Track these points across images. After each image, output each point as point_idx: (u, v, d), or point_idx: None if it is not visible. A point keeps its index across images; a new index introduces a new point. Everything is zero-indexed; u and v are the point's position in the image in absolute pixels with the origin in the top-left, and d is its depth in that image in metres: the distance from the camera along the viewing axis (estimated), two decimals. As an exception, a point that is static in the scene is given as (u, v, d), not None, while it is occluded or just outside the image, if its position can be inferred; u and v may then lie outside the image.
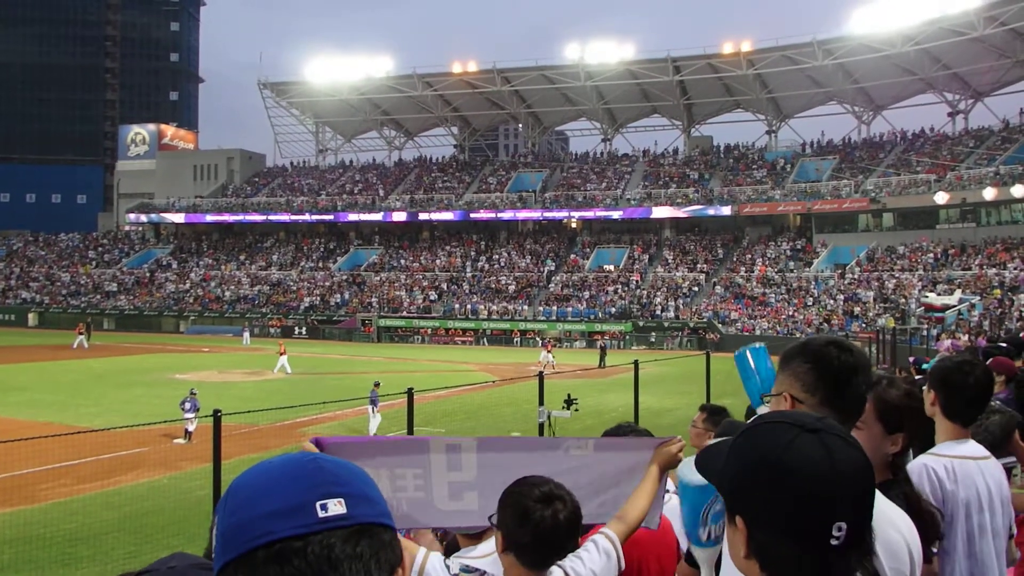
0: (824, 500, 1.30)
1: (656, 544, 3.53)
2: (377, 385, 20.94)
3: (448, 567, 2.40)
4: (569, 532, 2.49)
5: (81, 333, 49.44)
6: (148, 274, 76.75)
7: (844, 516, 1.30)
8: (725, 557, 1.97)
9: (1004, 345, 6.14)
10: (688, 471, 2.37)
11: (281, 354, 37.52)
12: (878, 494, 1.57)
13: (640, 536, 3.40)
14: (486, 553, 2.74)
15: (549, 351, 42.04)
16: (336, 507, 1.06)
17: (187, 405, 19.81)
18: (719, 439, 2.11)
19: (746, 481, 1.37)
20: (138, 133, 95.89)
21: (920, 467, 3.06)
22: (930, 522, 2.51)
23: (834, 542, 1.30)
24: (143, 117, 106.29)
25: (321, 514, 1.05)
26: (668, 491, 3.59)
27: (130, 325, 68.21)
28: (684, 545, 3.50)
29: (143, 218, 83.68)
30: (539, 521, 2.43)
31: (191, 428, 19.53)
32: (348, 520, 1.06)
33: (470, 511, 2.77)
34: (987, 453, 3.23)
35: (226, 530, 1.08)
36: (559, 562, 2.54)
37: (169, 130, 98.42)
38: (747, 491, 1.37)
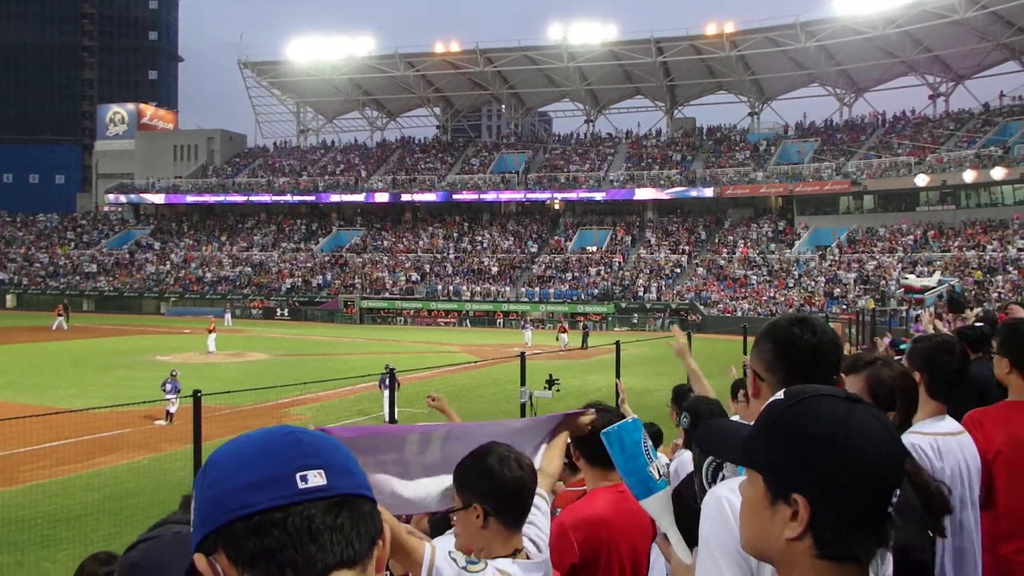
0: (888, 470, 1.33)
1: (626, 523, 3.50)
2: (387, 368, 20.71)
3: (455, 560, 2.36)
4: (533, 483, 2.59)
5: (60, 315, 49.01)
6: (128, 255, 76.17)
7: (899, 483, 1.34)
8: (713, 515, 1.95)
9: (980, 325, 6.20)
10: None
11: (210, 331, 37.16)
12: None
13: (608, 516, 3.39)
14: None
15: (564, 332, 42.96)
16: (316, 478, 1.05)
17: (168, 387, 19.72)
18: (717, 422, 2.08)
19: (810, 460, 1.33)
20: (117, 112, 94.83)
21: (908, 446, 3.09)
22: (939, 496, 2.53)
23: (890, 509, 1.32)
24: (122, 96, 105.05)
25: (301, 485, 1.04)
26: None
27: (110, 307, 67.75)
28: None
29: (122, 199, 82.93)
30: (509, 477, 2.51)
31: (172, 409, 19.46)
32: (328, 491, 1.05)
33: (406, 499, 2.85)
34: (961, 428, 3.27)
35: (204, 502, 1.07)
36: (523, 533, 2.61)
37: (148, 110, 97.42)
38: (811, 470, 1.33)
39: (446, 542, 2.73)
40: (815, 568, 1.34)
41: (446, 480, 2.80)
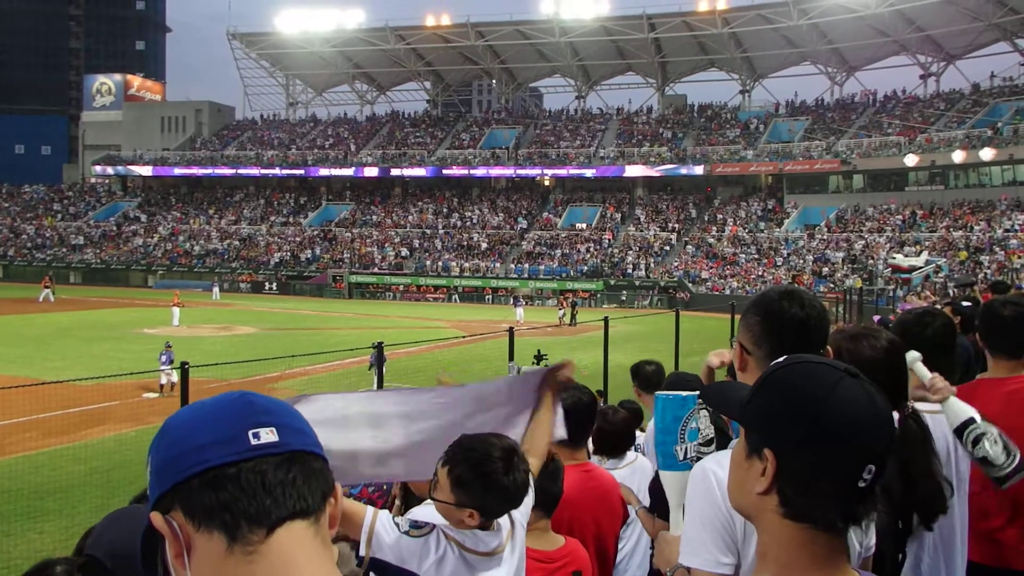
0: (863, 442, 1.34)
1: (592, 503, 3.51)
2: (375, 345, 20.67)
3: (398, 525, 2.40)
4: (525, 490, 2.55)
5: (47, 286, 48.74)
6: (115, 227, 75.68)
7: (875, 459, 1.34)
8: (699, 485, 1.96)
9: (968, 304, 6.24)
10: (665, 392, 2.31)
11: (175, 305, 36.74)
12: None
13: (572, 496, 3.36)
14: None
15: (563, 307, 43.48)
16: (268, 435, 1.10)
17: (163, 358, 19.70)
18: (723, 381, 2.10)
19: (785, 416, 1.38)
20: (104, 83, 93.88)
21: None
22: (938, 494, 2.55)
23: (862, 484, 1.33)
24: (109, 67, 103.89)
25: (253, 442, 1.08)
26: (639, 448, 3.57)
27: (97, 279, 67.40)
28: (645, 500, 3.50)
29: (109, 170, 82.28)
30: (510, 485, 2.48)
31: (172, 380, 19.32)
32: (280, 447, 1.10)
33: (395, 474, 2.86)
34: None
35: (160, 464, 1.12)
36: None
37: (136, 80, 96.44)
38: (785, 426, 1.38)
39: (419, 512, 2.73)
40: (780, 526, 1.39)
41: (397, 466, 2.78)
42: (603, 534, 3.50)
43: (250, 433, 1.09)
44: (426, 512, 2.62)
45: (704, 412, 2.27)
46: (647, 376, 5.11)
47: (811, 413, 1.35)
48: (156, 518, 1.10)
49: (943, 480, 2.65)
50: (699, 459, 2.22)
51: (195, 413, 1.14)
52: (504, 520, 2.57)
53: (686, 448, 2.22)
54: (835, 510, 1.35)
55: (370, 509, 2.40)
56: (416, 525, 2.42)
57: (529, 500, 2.72)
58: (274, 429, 1.10)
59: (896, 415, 2.59)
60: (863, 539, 2.15)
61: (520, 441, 2.94)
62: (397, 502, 3.23)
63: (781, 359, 1.49)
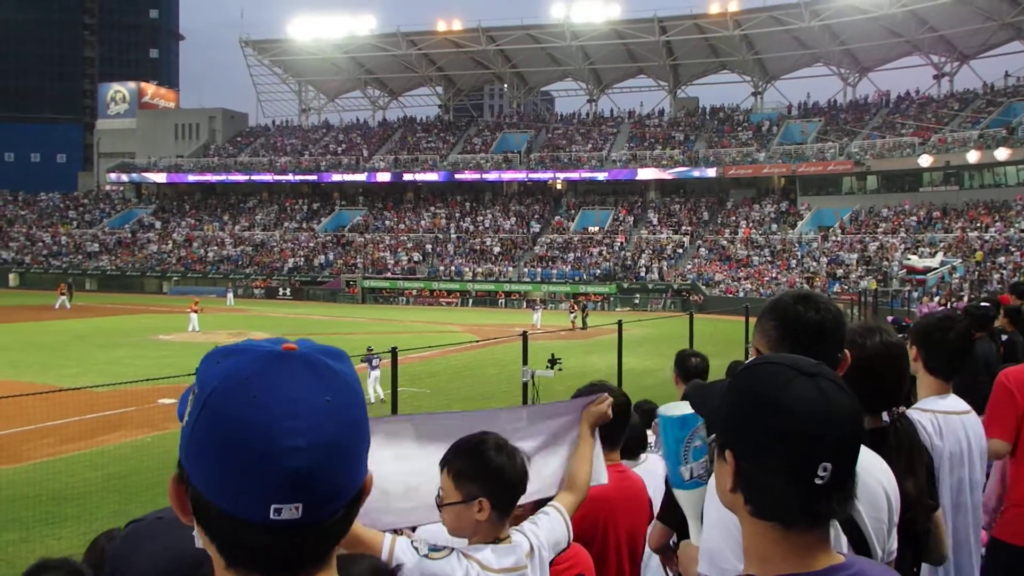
0: (814, 439, 1.34)
1: (626, 502, 3.57)
2: (369, 349, 20.79)
3: (417, 549, 2.36)
4: (525, 476, 2.54)
5: (63, 294, 49.07)
6: (130, 234, 76.13)
7: (830, 457, 1.34)
8: (711, 493, 1.98)
9: (986, 305, 6.21)
10: (667, 408, 2.32)
11: (193, 311, 36.89)
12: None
13: (609, 494, 3.41)
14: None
15: (574, 310, 43.62)
16: (290, 512, 0.99)
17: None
18: (705, 383, 2.11)
19: (741, 416, 1.42)
20: (118, 91, 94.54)
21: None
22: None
23: (818, 481, 1.33)
24: (123, 75, 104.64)
25: (272, 516, 0.98)
26: (651, 448, 3.58)
27: (112, 286, 67.80)
28: (656, 502, 3.55)
29: (124, 178, 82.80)
30: (511, 467, 2.48)
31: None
32: (298, 523, 1.00)
33: (424, 503, 2.68)
34: (968, 407, 3.28)
35: (198, 443, 1.01)
36: (516, 527, 2.57)
37: (150, 88, 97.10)
38: (740, 426, 1.41)
39: (428, 531, 2.71)
40: (752, 523, 1.43)
41: (426, 490, 2.66)
42: (635, 532, 3.58)
43: (272, 507, 0.98)
44: (432, 531, 2.60)
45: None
46: (690, 369, 5.15)
47: (761, 414, 1.38)
48: (176, 488, 1.07)
49: (922, 491, 2.62)
50: (710, 475, 2.21)
51: (235, 446, 0.98)
52: (522, 540, 2.55)
53: (691, 468, 2.22)
54: (794, 508, 1.37)
55: (388, 536, 2.37)
56: (435, 548, 2.38)
57: (562, 535, 2.68)
58: (300, 506, 0.98)
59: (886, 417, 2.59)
60: (885, 544, 2.15)
61: (559, 478, 2.92)
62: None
63: (747, 362, 1.53)
